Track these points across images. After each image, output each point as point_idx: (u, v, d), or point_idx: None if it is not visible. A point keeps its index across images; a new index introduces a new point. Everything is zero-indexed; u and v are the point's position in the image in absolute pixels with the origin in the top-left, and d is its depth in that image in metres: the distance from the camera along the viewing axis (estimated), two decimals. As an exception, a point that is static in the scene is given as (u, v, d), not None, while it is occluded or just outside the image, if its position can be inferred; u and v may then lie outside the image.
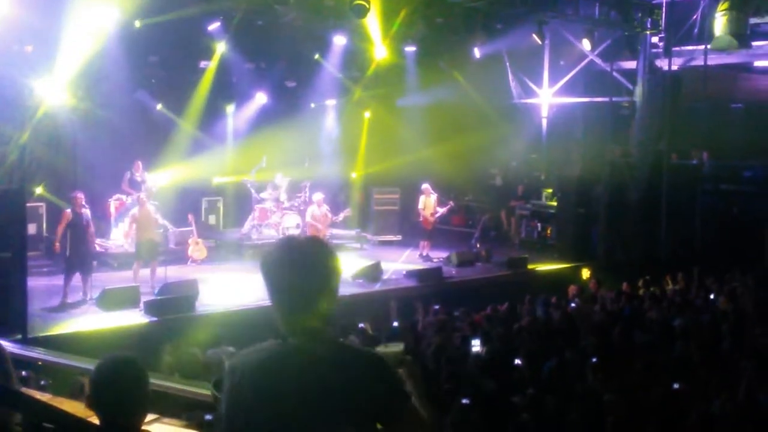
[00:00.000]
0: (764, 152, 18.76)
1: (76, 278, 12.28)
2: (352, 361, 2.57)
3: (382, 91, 20.35)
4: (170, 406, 4.50)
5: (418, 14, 16.49)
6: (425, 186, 17.22)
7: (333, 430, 2.49)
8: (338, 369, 2.52)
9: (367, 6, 13.56)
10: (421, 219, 17.22)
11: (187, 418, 4.57)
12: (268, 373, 2.53)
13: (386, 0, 15.35)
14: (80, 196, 12.49)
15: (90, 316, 11.52)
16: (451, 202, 17.78)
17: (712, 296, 13.22)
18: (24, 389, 4.92)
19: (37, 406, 3.56)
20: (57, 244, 12.45)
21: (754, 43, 17.37)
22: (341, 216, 15.51)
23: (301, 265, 2.56)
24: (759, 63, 19.42)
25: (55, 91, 14.86)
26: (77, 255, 12.25)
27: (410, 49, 18.44)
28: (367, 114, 21.02)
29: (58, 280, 12.50)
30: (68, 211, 12.37)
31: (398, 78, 19.83)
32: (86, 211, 12.49)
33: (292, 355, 2.53)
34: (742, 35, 16.53)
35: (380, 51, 17.37)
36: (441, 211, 17.23)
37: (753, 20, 17.11)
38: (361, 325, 10.74)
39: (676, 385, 7.29)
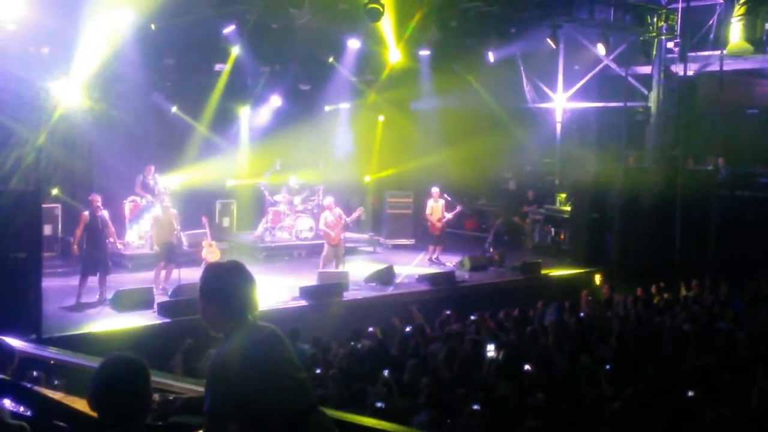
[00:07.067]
0: (780, 158, 18.66)
1: (92, 279, 12.38)
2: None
3: (396, 95, 20.34)
4: None
5: (432, 18, 16.44)
6: (434, 190, 17.16)
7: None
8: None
9: (381, 10, 13.58)
10: (428, 224, 17.19)
11: None
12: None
13: (400, 4, 15.34)
14: (97, 198, 12.61)
15: (104, 317, 11.61)
16: (459, 206, 17.58)
17: (726, 303, 13.12)
18: (36, 388, 4.93)
19: (50, 404, 3.58)
20: (75, 246, 12.57)
21: (771, 49, 17.28)
22: (354, 216, 15.50)
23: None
24: (775, 69, 19.30)
25: (71, 93, 14.95)
26: (93, 256, 12.36)
27: (424, 52, 18.42)
28: (381, 117, 21.05)
29: (73, 281, 12.60)
30: (86, 213, 12.48)
31: (412, 82, 19.80)
32: (103, 213, 12.60)
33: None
34: (758, 41, 16.44)
35: (394, 54, 17.33)
36: (448, 216, 17.13)
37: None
38: (370, 329, 10.75)
39: (690, 393, 7.24)
